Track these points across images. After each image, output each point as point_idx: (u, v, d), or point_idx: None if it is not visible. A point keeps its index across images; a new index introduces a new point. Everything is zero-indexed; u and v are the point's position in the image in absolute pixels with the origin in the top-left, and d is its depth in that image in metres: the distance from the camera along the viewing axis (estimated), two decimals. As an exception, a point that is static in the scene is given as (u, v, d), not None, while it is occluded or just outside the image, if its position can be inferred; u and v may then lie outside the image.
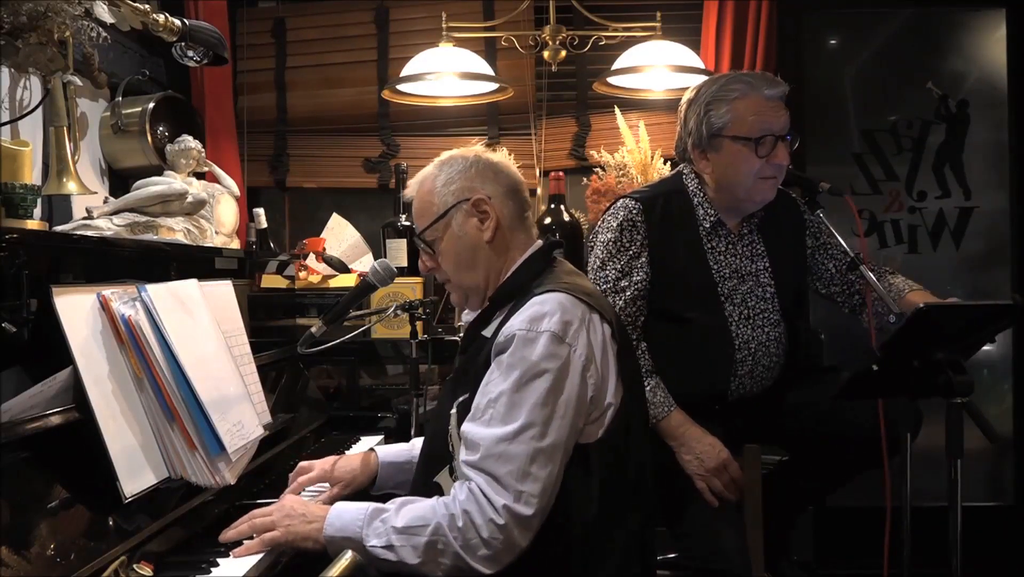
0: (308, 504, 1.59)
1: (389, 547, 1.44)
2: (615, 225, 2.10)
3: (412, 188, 1.69)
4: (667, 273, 2.10)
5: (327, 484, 1.83)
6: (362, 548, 1.47)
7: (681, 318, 2.09)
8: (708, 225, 2.13)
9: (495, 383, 1.47)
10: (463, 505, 1.42)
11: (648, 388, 1.98)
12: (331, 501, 1.70)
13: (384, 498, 1.56)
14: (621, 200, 2.15)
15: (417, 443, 1.88)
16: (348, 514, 1.51)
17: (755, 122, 2.02)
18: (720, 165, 2.08)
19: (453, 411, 1.57)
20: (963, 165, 3.58)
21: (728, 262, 2.14)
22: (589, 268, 2.15)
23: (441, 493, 1.53)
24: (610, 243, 2.09)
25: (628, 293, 2.07)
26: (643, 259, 2.08)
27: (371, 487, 1.84)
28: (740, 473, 1.99)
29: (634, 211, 2.10)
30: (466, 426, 1.48)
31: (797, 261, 2.24)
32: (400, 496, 1.56)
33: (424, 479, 1.63)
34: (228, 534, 1.56)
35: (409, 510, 1.47)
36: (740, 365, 2.10)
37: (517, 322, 1.48)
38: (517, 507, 1.40)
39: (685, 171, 2.19)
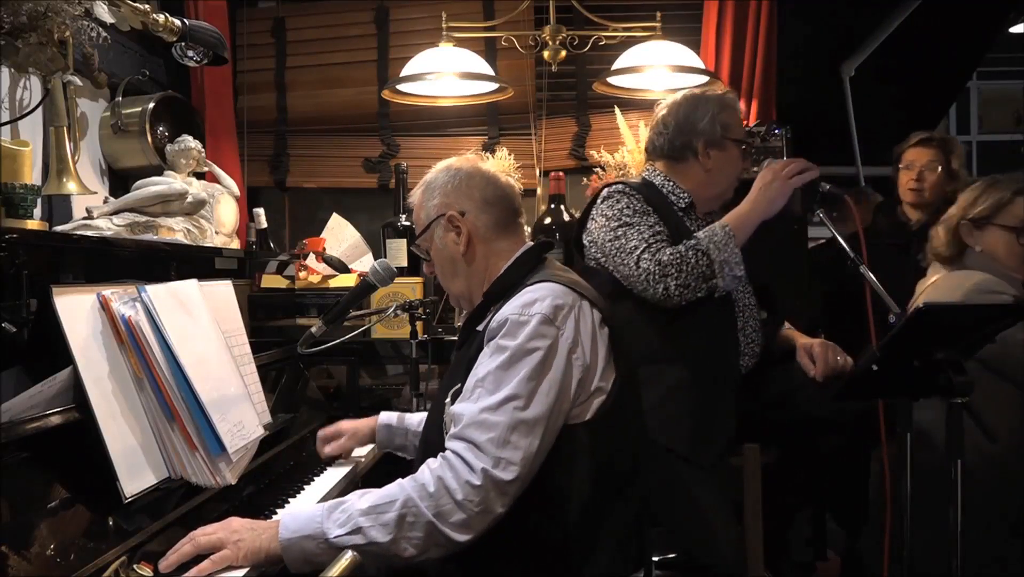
0: (251, 520, 1.49)
1: (356, 530, 1.39)
2: (617, 203, 2.13)
3: (413, 195, 1.76)
4: None
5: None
6: (325, 543, 1.40)
7: None
8: (683, 205, 2.22)
9: (485, 364, 1.50)
10: (436, 472, 1.42)
11: (697, 241, 2.05)
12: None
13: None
14: (608, 188, 2.19)
15: (412, 415, 2.00)
16: (303, 515, 1.45)
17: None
18: (721, 163, 2.21)
19: (447, 400, 1.59)
20: None
21: None
22: (606, 250, 2.10)
23: None
24: (622, 213, 2.11)
25: (663, 239, 2.07)
26: (655, 217, 2.12)
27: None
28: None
29: (627, 189, 2.16)
30: (455, 407, 1.51)
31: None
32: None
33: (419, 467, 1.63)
34: (171, 559, 1.38)
35: (373, 494, 1.45)
36: (744, 337, 2.18)
37: (510, 308, 1.53)
38: (496, 472, 1.40)
39: (648, 170, 2.29)
